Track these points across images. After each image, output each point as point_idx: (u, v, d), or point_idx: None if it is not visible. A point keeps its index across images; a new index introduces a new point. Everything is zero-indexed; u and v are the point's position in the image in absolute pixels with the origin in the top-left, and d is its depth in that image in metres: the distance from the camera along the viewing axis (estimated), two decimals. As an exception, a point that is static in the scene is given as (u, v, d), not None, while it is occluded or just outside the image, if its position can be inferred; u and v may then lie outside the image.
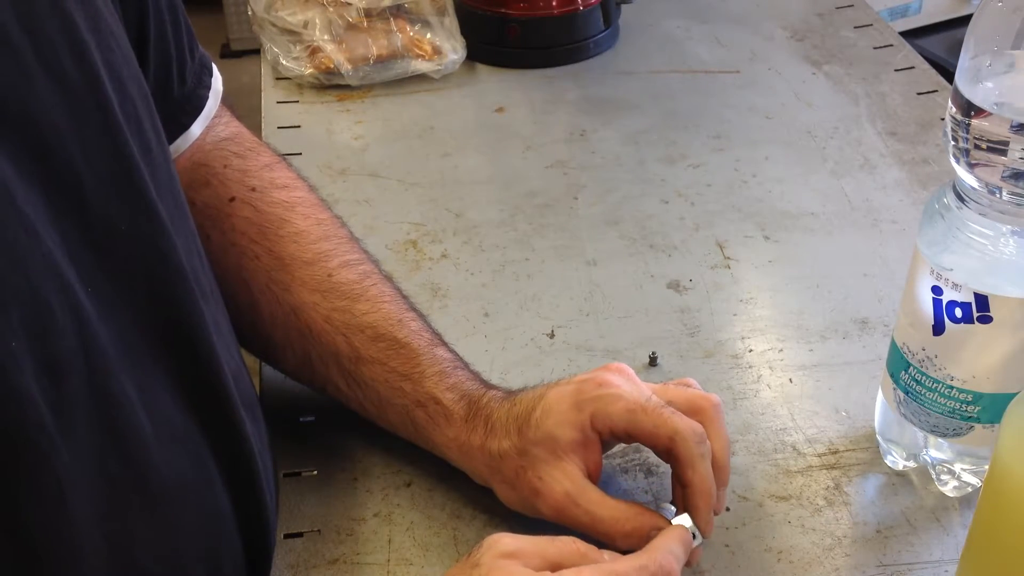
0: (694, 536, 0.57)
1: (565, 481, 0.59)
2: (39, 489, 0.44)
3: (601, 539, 0.57)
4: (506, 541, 0.51)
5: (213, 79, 0.70)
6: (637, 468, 0.68)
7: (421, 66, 1.10)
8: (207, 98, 0.69)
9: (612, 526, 0.57)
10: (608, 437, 0.60)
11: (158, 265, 0.51)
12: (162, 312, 0.51)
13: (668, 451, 0.58)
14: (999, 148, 0.54)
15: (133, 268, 0.49)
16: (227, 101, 0.73)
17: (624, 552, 0.55)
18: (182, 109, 0.67)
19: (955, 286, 0.58)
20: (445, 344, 0.67)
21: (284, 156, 0.75)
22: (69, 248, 0.46)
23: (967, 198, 0.58)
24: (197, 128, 0.69)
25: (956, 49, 0.58)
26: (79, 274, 0.46)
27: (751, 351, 0.77)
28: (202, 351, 0.53)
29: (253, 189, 0.69)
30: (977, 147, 0.55)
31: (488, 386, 0.65)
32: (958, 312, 0.58)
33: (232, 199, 0.68)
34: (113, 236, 0.48)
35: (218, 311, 0.58)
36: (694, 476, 0.57)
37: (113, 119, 0.49)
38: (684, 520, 0.58)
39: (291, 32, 1.12)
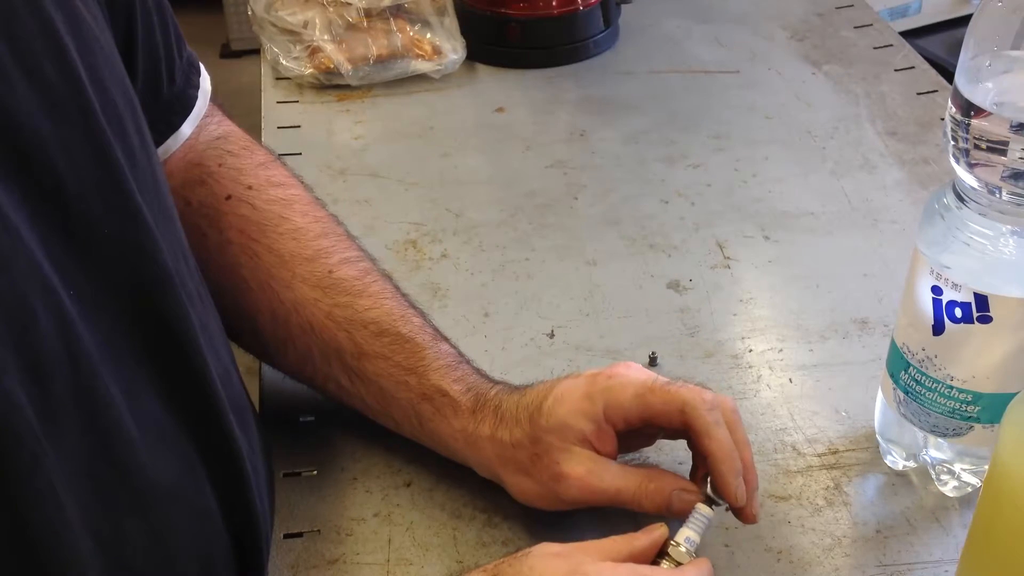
0: (718, 504, 0.59)
1: (586, 461, 0.60)
2: (35, 492, 0.43)
3: (629, 506, 0.59)
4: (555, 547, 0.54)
5: (202, 78, 0.70)
6: (637, 468, 0.68)
7: (421, 66, 1.10)
8: (196, 98, 0.69)
9: (637, 488, 0.59)
10: (623, 427, 0.61)
11: (143, 268, 0.50)
12: (147, 315, 0.51)
13: (682, 425, 0.59)
14: (999, 148, 0.54)
15: (117, 271, 0.49)
16: (217, 100, 0.72)
17: (651, 518, 0.58)
18: (172, 109, 0.67)
19: (955, 286, 0.58)
20: (447, 340, 0.67)
21: (280, 156, 0.75)
22: (50, 251, 0.45)
23: (967, 198, 0.58)
24: (187, 128, 0.68)
25: (956, 49, 0.58)
26: (61, 277, 0.46)
27: (751, 351, 0.77)
28: (188, 354, 0.53)
29: (249, 187, 0.69)
30: (977, 147, 0.55)
31: (493, 381, 0.66)
32: (958, 312, 0.58)
33: (228, 197, 0.68)
34: (96, 239, 0.48)
35: (206, 314, 0.57)
36: (711, 443, 0.58)
37: (95, 122, 0.48)
38: (703, 510, 0.59)
39: (291, 32, 1.12)
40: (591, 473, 0.59)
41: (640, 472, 0.60)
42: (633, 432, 0.62)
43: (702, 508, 0.58)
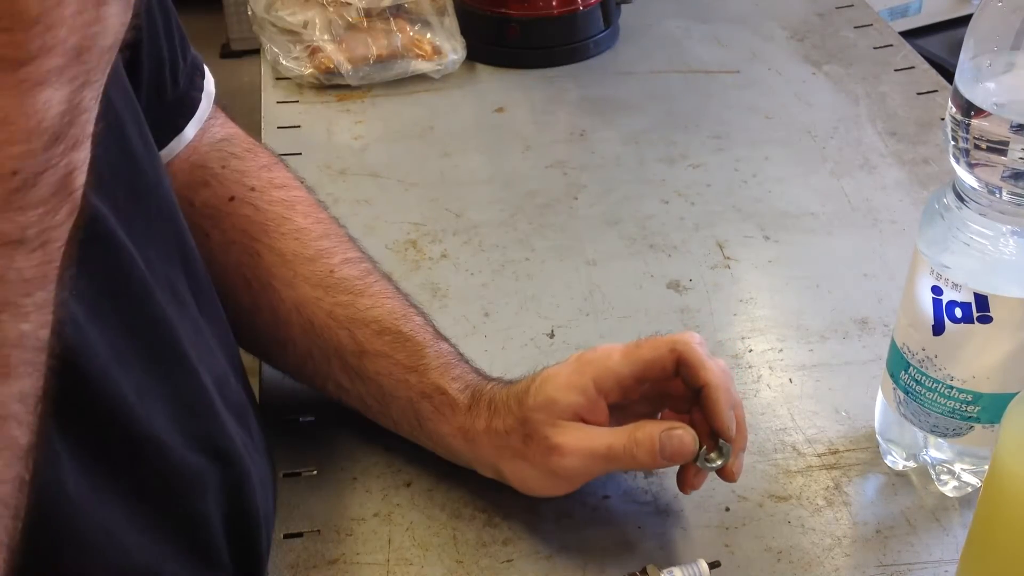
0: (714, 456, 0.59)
1: (574, 430, 0.60)
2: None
3: (623, 463, 0.59)
4: None
5: (205, 81, 0.70)
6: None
7: (421, 66, 1.10)
8: (200, 100, 0.69)
9: (628, 438, 0.58)
10: (617, 395, 0.61)
11: (119, 274, 0.51)
12: (136, 318, 0.51)
13: (676, 364, 0.59)
14: (999, 148, 0.54)
15: (101, 275, 0.49)
16: (220, 102, 0.73)
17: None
18: (176, 111, 0.67)
19: (955, 286, 0.58)
20: (447, 339, 0.68)
21: (281, 157, 0.76)
22: None
23: (967, 198, 0.58)
24: (191, 130, 0.69)
25: (956, 49, 0.58)
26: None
27: (751, 351, 0.77)
28: (176, 357, 0.53)
29: (252, 189, 0.69)
30: (977, 147, 0.55)
31: (489, 378, 0.66)
32: (958, 312, 0.58)
33: (232, 198, 0.69)
34: (87, 241, 0.48)
35: (201, 316, 0.58)
36: (707, 373, 0.58)
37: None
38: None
39: (291, 32, 1.12)
40: (581, 438, 0.59)
41: (627, 426, 0.60)
42: (627, 409, 0.62)
43: (702, 565, 0.59)
